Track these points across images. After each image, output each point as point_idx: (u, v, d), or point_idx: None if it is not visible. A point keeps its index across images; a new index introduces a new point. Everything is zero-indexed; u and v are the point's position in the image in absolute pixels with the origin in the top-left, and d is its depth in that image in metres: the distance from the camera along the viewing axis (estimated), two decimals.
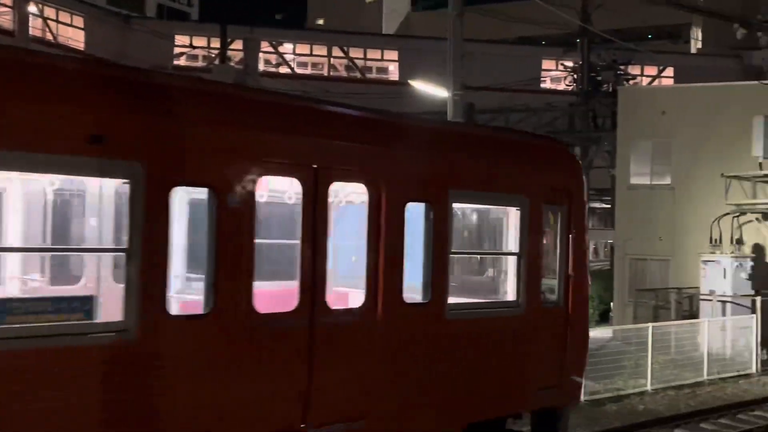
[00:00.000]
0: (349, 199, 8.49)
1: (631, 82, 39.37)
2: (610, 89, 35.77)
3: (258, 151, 7.03)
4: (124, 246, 6.29)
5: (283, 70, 47.75)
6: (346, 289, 8.29)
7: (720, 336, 21.57)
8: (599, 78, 36.81)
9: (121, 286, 6.32)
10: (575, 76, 38.82)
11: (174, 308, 6.90)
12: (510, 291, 9.39)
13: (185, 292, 7.73)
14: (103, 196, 7.36)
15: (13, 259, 7.61)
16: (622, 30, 41.16)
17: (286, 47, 49.30)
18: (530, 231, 9.35)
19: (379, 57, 49.70)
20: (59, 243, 7.90)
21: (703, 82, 30.45)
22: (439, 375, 8.56)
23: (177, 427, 6.54)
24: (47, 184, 7.44)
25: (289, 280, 7.54)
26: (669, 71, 49.17)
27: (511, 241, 9.41)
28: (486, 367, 9.05)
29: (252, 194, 6.92)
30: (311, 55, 49.56)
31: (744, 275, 23.40)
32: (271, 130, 7.23)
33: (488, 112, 33.73)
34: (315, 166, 7.35)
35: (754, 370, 21.31)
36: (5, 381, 5.70)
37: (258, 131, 7.12)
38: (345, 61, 49.67)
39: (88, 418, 6.07)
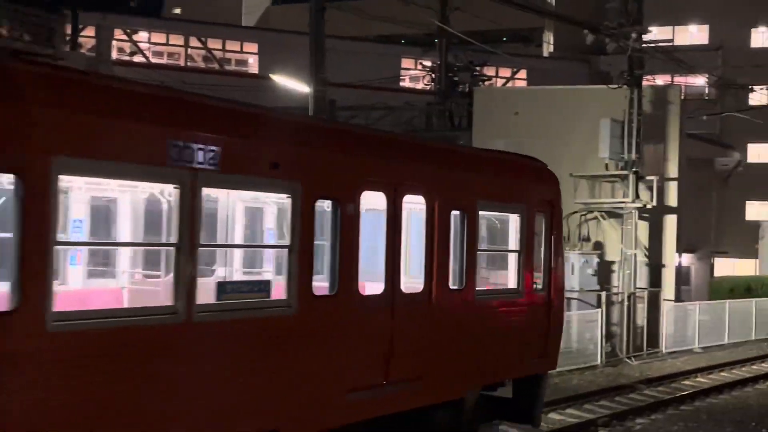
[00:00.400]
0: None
1: (486, 83, 40.35)
2: (467, 89, 36.57)
3: (363, 172, 9.20)
4: (287, 243, 8.33)
5: (138, 59, 46.32)
6: (409, 277, 10.20)
7: (567, 330, 22.40)
8: (456, 78, 37.56)
9: (284, 273, 8.38)
10: (433, 75, 39.51)
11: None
12: (512, 280, 11.82)
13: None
14: (273, 206, 9.70)
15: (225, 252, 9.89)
16: (478, 32, 42.03)
17: (141, 35, 47.81)
18: (527, 232, 11.76)
19: (239, 49, 48.99)
20: (251, 241, 10.40)
21: (554, 84, 31.54)
22: (471, 345, 10.78)
23: (315, 374, 8.57)
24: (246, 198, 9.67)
25: (378, 270, 9.55)
26: (522, 73, 50.69)
27: (513, 240, 11.77)
28: (500, 339, 11.31)
29: (359, 205, 9.04)
30: (167, 44, 48.28)
31: (590, 271, 24.39)
32: (372, 156, 9.52)
33: (349, 110, 33.85)
34: (395, 182, 9.54)
35: (598, 362, 22.28)
36: (222, 343, 7.60)
37: (363, 158, 9.35)
38: (203, 52, 48.68)
39: (270, 371, 8.11)
